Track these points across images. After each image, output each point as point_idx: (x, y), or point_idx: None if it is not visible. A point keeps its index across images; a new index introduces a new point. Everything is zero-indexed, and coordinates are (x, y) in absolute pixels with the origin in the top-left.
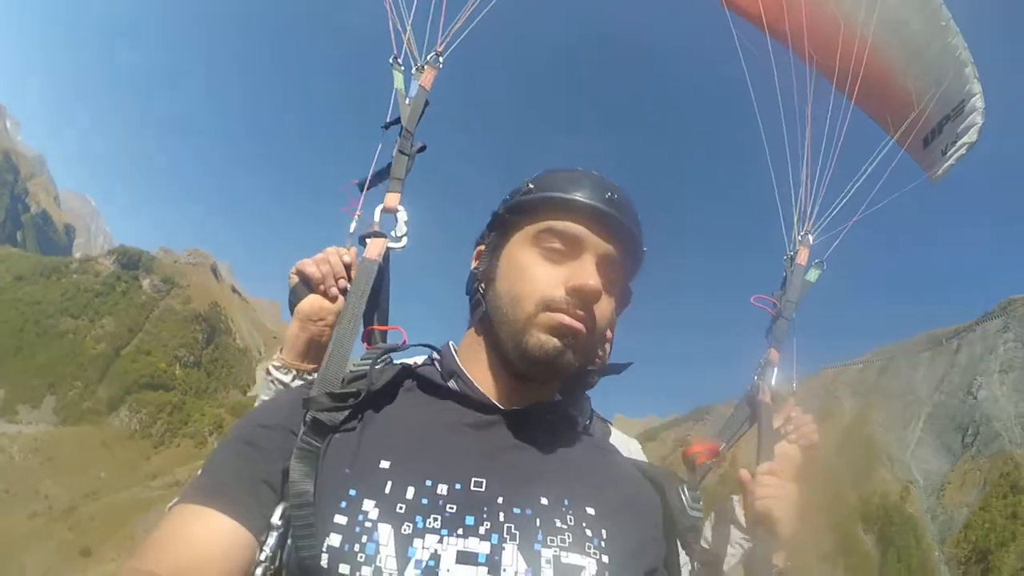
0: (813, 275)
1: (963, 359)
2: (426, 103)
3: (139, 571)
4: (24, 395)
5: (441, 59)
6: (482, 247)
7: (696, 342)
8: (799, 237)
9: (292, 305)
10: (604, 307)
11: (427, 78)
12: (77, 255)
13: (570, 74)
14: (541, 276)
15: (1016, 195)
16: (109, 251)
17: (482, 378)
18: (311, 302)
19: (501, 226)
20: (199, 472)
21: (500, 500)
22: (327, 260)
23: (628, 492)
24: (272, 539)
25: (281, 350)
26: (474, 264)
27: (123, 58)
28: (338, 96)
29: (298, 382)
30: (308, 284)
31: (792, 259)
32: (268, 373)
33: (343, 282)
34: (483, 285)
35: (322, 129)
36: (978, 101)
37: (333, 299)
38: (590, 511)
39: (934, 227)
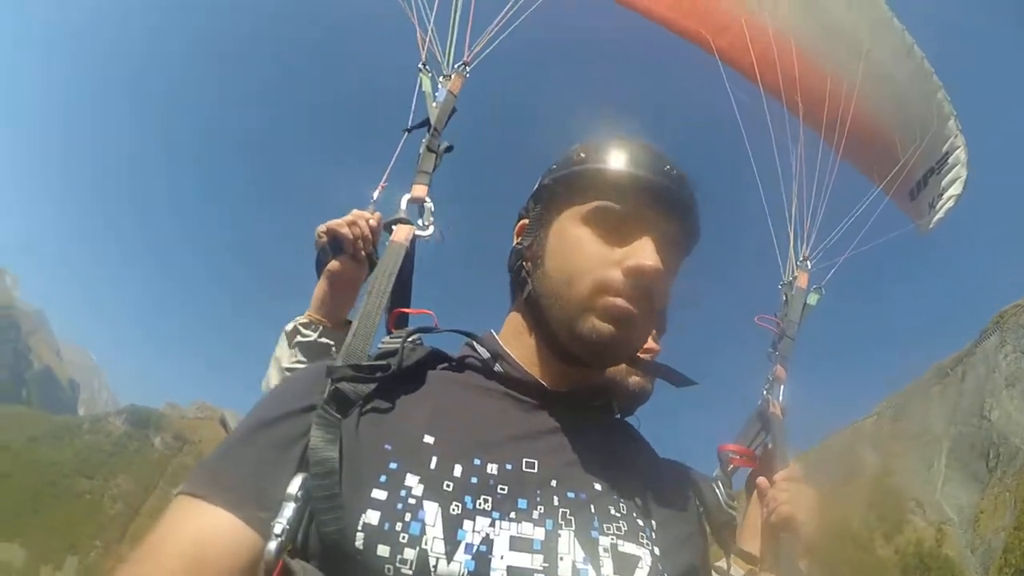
0: (813, 299)
1: (970, 384)
2: (454, 108)
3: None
4: (45, 556)
5: (468, 69)
6: (526, 221)
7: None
8: (797, 263)
9: (321, 264)
10: (661, 291)
11: (455, 84)
12: (82, 412)
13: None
14: (596, 255)
15: (994, 211)
16: (119, 411)
17: (527, 360)
18: (342, 263)
19: (548, 199)
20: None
21: (553, 483)
22: (357, 224)
23: (670, 485)
24: (289, 511)
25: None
26: (517, 240)
27: (99, 199)
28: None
29: (323, 339)
30: (337, 245)
31: (791, 284)
32: (294, 332)
33: (369, 246)
34: (529, 263)
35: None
36: (961, 154)
37: (361, 262)
38: (639, 501)
39: (920, 259)
